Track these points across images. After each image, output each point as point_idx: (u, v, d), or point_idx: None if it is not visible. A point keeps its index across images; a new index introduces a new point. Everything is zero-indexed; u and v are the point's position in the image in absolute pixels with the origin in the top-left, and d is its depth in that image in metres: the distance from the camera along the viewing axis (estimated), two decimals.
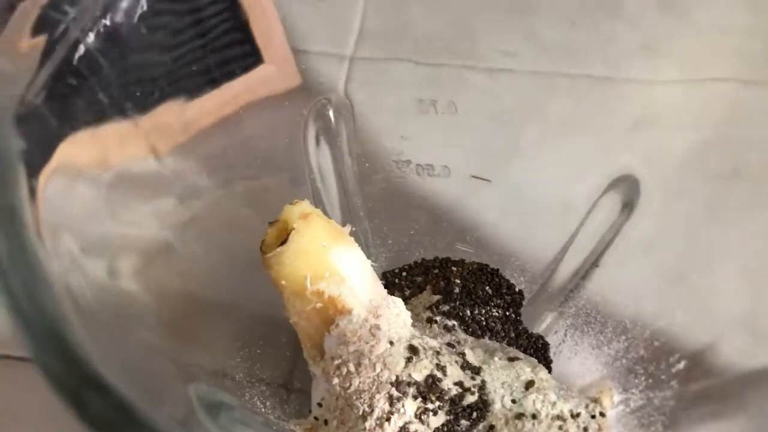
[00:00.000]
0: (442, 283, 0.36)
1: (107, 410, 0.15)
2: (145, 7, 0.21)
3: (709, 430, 0.24)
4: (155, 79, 0.23)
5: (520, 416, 0.29)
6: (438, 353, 0.31)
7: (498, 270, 0.36)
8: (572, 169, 0.34)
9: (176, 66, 0.24)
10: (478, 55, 0.34)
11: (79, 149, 0.19)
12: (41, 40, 0.17)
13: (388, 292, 0.32)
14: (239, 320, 0.32)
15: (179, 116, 0.25)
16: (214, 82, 0.27)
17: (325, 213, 0.33)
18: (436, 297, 0.35)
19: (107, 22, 0.20)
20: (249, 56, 0.32)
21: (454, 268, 0.36)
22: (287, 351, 0.34)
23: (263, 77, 0.33)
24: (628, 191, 0.30)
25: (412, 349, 0.30)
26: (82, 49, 0.19)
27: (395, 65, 0.34)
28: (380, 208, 0.35)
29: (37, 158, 0.17)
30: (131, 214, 0.25)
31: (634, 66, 0.35)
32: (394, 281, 0.37)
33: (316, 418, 0.30)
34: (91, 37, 0.19)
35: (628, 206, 0.30)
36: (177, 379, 0.23)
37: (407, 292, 0.37)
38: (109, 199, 0.23)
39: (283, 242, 0.29)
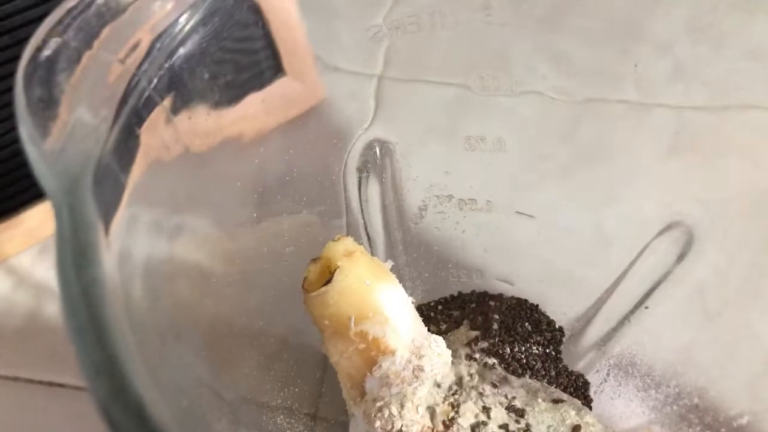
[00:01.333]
0: (480, 318, 0.35)
1: None
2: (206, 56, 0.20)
3: None
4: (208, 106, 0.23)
5: None
6: (482, 395, 0.30)
7: (537, 305, 0.35)
8: (615, 200, 0.34)
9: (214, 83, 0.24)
10: (511, 80, 0.34)
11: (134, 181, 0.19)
12: (119, 91, 0.17)
13: (425, 327, 0.32)
14: (276, 359, 0.31)
15: (215, 121, 0.24)
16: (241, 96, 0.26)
17: (367, 248, 0.33)
18: (474, 333, 0.35)
19: (170, 69, 0.19)
20: (272, 70, 0.32)
21: (492, 303, 0.36)
22: (318, 382, 0.34)
23: (287, 92, 0.33)
24: (681, 235, 0.29)
25: (457, 391, 0.30)
26: (147, 98, 0.18)
27: (428, 86, 0.33)
28: (419, 242, 0.34)
29: (111, 210, 0.16)
30: (184, 238, 0.25)
31: (666, 91, 0.34)
32: (430, 315, 0.36)
33: None
34: (155, 86, 0.19)
35: (682, 253, 0.29)
36: (226, 418, 0.23)
37: (443, 327, 0.36)
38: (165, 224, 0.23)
39: (328, 281, 0.28)
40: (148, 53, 0.18)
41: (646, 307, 0.31)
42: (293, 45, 0.33)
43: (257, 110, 0.31)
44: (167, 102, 0.20)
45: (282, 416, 0.30)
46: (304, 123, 0.33)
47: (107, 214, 0.16)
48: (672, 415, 0.29)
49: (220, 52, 0.22)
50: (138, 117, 0.18)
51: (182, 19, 0.19)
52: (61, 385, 0.41)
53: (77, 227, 0.14)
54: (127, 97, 0.17)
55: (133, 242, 0.19)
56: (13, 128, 0.38)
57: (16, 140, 0.39)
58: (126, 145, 0.17)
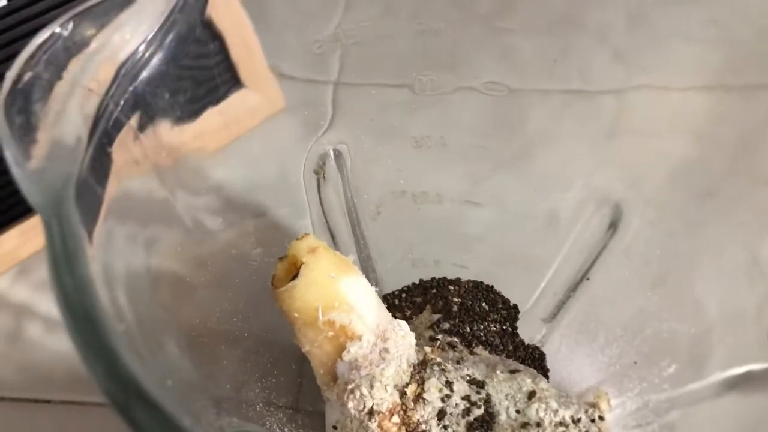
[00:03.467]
0: (440, 302, 0.38)
1: (155, 422, 0.16)
2: (166, 79, 0.22)
3: (704, 429, 0.26)
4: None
5: (525, 425, 0.31)
6: (444, 370, 0.33)
7: (492, 286, 0.38)
8: (556, 184, 0.36)
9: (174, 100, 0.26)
10: (460, 75, 0.36)
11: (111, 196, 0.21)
12: (90, 115, 0.19)
13: (390, 314, 0.34)
14: (252, 352, 0.33)
15: (178, 136, 0.26)
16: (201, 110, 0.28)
17: (330, 244, 0.35)
18: (437, 316, 0.37)
19: (134, 92, 0.21)
20: (229, 82, 0.34)
21: (451, 287, 0.38)
22: (297, 377, 0.36)
23: (245, 103, 0.35)
24: (612, 209, 0.32)
25: (420, 368, 0.32)
26: (116, 120, 0.20)
27: (378, 90, 0.35)
28: (379, 236, 0.37)
29: (91, 221, 0.18)
30: (158, 248, 0.27)
31: (605, 77, 0.37)
32: (394, 303, 0.39)
33: None
34: (122, 108, 0.21)
35: (614, 223, 0.32)
36: (210, 409, 0.25)
37: (408, 313, 0.38)
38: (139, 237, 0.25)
39: (294, 276, 0.31)
40: (114, 80, 0.20)
41: (587, 279, 0.34)
42: (249, 57, 0.35)
43: (217, 123, 0.33)
44: (134, 121, 0.22)
45: (262, 405, 0.32)
46: (263, 131, 0.35)
47: (89, 225, 0.18)
48: (616, 374, 0.32)
49: (178, 70, 0.24)
50: (108, 137, 0.20)
51: (142, 47, 0.21)
52: (47, 401, 0.42)
53: (66, 235, 0.16)
54: (98, 120, 0.19)
55: (113, 253, 0.21)
56: None
57: None
58: (100, 163, 0.19)
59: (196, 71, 0.27)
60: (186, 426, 0.17)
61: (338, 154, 0.34)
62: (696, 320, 0.28)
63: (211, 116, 0.32)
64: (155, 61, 0.22)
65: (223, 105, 0.33)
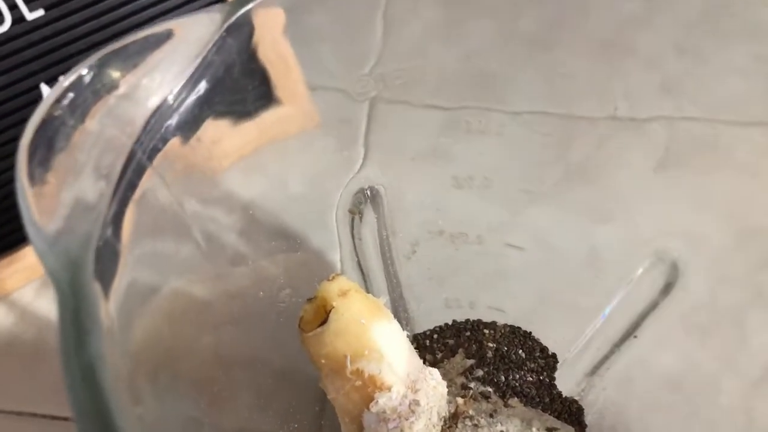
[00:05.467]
0: (474, 346, 0.36)
1: None
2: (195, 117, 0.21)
3: None
4: None
5: None
6: (477, 426, 0.31)
7: (530, 333, 0.36)
8: (601, 217, 0.34)
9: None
10: (500, 99, 0.35)
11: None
12: (116, 167, 0.17)
13: (419, 355, 0.33)
14: (275, 399, 0.32)
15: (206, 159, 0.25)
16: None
17: (361, 283, 0.34)
18: (470, 361, 0.35)
19: (161, 138, 0.20)
20: (264, 98, 0.33)
21: (486, 331, 0.36)
22: (315, 406, 0.34)
23: (281, 119, 0.33)
24: (668, 269, 0.30)
25: (452, 423, 0.31)
26: (139, 165, 0.19)
27: (414, 110, 0.34)
28: (413, 275, 0.35)
29: (109, 284, 0.17)
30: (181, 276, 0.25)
31: (655, 105, 0.35)
32: (425, 344, 0.37)
33: None
34: (148, 153, 0.19)
35: (669, 284, 0.30)
36: None
37: (439, 355, 0.37)
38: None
39: (323, 321, 0.29)
40: (143, 129, 0.19)
41: (635, 337, 0.31)
42: (292, 94, 0.33)
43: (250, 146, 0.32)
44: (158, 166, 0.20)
45: None
46: (299, 162, 0.33)
47: (106, 283, 0.17)
48: None
49: (210, 111, 0.22)
50: (132, 188, 0.19)
51: (173, 94, 0.20)
52: (65, 419, 0.42)
53: (78, 305, 0.15)
54: (125, 173, 0.18)
55: (132, 298, 0.20)
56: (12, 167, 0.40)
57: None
58: (122, 217, 0.18)
59: (234, 106, 0.25)
60: None
61: (375, 193, 0.32)
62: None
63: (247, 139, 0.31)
64: (186, 106, 0.20)
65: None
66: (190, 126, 0.21)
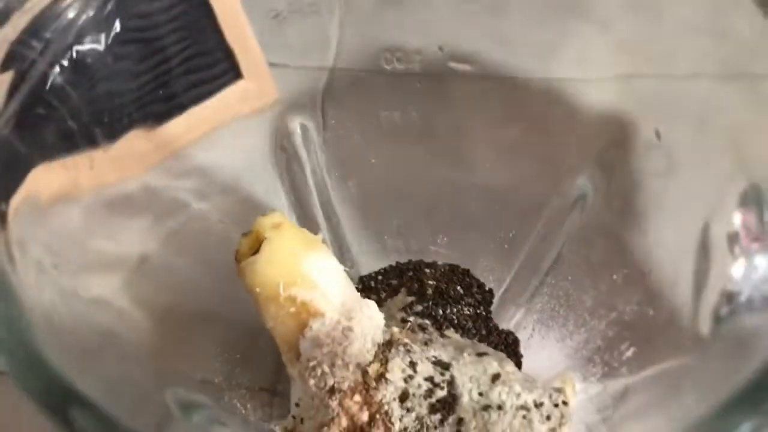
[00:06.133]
0: (415, 284, 0.38)
1: (92, 424, 0.17)
2: (110, 39, 0.22)
3: (650, 416, 0.26)
4: (123, 106, 0.25)
5: (486, 408, 0.31)
6: (409, 351, 0.32)
7: (468, 270, 0.38)
8: (538, 170, 0.36)
9: (143, 92, 0.26)
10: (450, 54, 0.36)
11: (51, 176, 0.21)
12: (8, 74, 0.19)
13: (365, 296, 0.34)
14: (220, 329, 0.34)
15: (149, 141, 0.27)
16: (182, 107, 0.28)
17: (302, 223, 0.35)
18: (410, 298, 0.37)
19: (74, 53, 0.21)
20: (226, 74, 0.34)
21: (427, 270, 0.38)
22: (269, 357, 0.36)
23: (241, 94, 0.35)
24: (582, 188, 0.32)
25: (385, 348, 0.32)
26: (50, 80, 0.21)
27: (371, 77, 0.35)
28: (355, 215, 0.37)
29: (6, 185, 0.18)
30: (109, 233, 0.27)
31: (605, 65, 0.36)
32: (370, 285, 0.38)
33: (293, 417, 0.32)
34: (58, 69, 0.21)
35: (581, 200, 0.31)
36: (153, 386, 0.25)
37: (383, 295, 0.38)
38: (86, 220, 0.25)
39: (256, 252, 0.31)
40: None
41: (560, 262, 0.33)
42: (244, 45, 0.35)
43: (205, 113, 0.33)
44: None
45: (236, 392, 0.32)
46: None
47: (3, 184, 0.18)
48: (582, 359, 0.31)
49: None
50: (41, 99, 0.20)
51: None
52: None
53: None
54: (23, 77, 0.19)
55: (47, 234, 0.21)
56: None
57: None
58: (28, 124, 0.20)
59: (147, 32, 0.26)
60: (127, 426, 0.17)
61: (305, 129, 0.34)
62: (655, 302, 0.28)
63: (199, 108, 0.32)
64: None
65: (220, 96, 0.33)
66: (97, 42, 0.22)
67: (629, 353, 0.28)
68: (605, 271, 0.31)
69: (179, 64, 0.28)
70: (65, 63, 0.21)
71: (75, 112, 0.22)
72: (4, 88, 0.19)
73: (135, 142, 0.26)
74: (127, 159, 0.25)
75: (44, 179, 0.20)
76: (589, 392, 0.30)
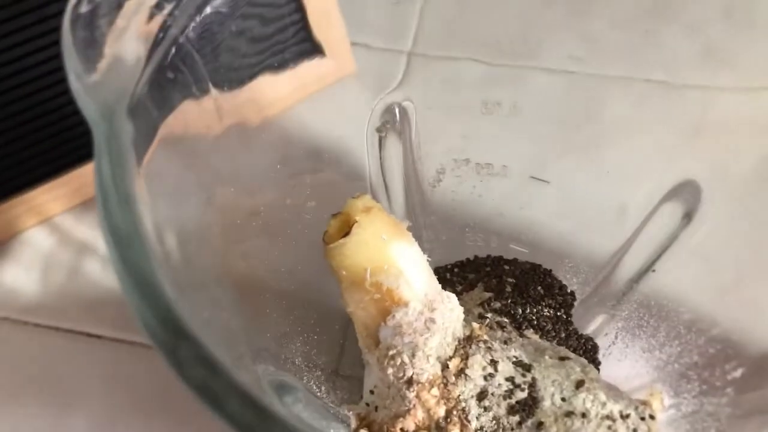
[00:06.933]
0: (494, 280, 0.37)
1: (200, 370, 0.16)
2: (234, 10, 0.22)
3: None
4: (238, 70, 0.25)
5: (569, 414, 0.30)
6: (490, 348, 0.32)
7: (551, 270, 0.36)
8: (631, 173, 0.35)
9: (260, 59, 0.25)
10: (539, 56, 0.35)
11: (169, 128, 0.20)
12: (152, 35, 0.19)
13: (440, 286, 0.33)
14: (301, 309, 0.33)
15: (255, 102, 0.26)
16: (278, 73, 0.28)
17: (387, 207, 0.34)
18: (488, 294, 0.36)
19: (202, 21, 0.21)
20: (309, 50, 0.33)
21: (506, 267, 0.37)
22: (339, 339, 0.35)
23: (322, 70, 0.34)
24: (688, 198, 0.30)
25: (465, 344, 0.31)
26: (180, 43, 0.20)
27: (454, 64, 0.34)
28: (437, 205, 0.36)
29: (142, 144, 0.18)
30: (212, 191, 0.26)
31: (694, 72, 0.35)
32: (445, 276, 0.38)
33: (367, 404, 0.31)
34: (188, 33, 0.20)
35: (688, 214, 0.30)
36: (248, 357, 0.24)
37: (459, 288, 0.37)
38: (195, 181, 0.24)
39: (346, 234, 0.30)
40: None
41: (653, 271, 0.32)
42: (327, 22, 0.34)
43: (287, 85, 0.33)
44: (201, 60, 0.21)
45: (301, 360, 0.32)
46: (331, 93, 0.34)
47: (140, 147, 0.18)
48: (673, 373, 0.30)
49: (246, 8, 0.23)
50: (171, 63, 0.20)
51: None
52: (98, 336, 0.44)
53: (113, 148, 0.16)
54: (159, 42, 0.19)
55: (163, 186, 0.21)
56: (64, 92, 0.41)
57: (65, 104, 0.41)
58: (159, 86, 0.19)
59: (265, 8, 0.26)
60: (225, 364, 0.16)
61: (403, 114, 0.33)
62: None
63: (281, 78, 0.32)
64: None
65: (296, 68, 0.33)
66: (223, 17, 0.22)
67: (737, 374, 0.27)
68: (709, 288, 0.29)
69: (293, 35, 0.27)
70: (193, 27, 0.21)
71: (198, 76, 0.22)
72: (145, 50, 0.18)
73: (242, 101, 0.25)
74: (233, 117, 0.25)
75: (164, 133, 0.20)
76: (683, 409, 0.28)
